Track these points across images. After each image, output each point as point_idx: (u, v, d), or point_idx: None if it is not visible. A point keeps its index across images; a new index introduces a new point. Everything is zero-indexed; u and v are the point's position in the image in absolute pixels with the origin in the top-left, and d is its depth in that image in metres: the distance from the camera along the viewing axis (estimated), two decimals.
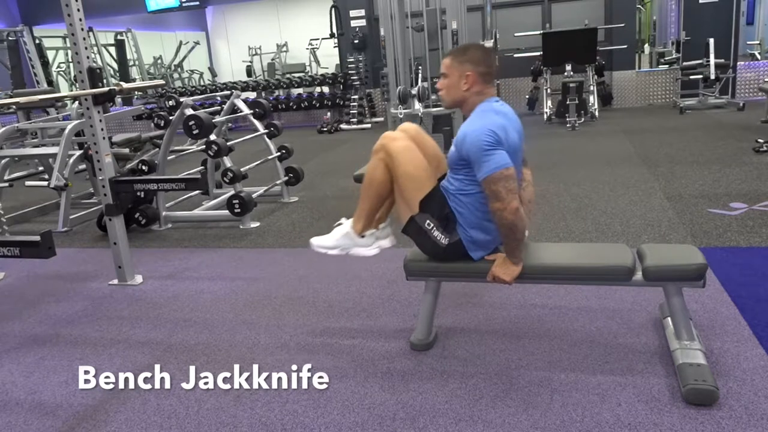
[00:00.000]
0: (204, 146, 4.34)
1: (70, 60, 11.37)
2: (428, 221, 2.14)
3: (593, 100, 8.31)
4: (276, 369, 2.25)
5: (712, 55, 8.03)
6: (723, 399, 1.83)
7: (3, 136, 5.02)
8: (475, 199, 2.09)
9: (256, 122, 5.05)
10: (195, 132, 4.21)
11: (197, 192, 4.87)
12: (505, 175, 1.95)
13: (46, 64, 11.34)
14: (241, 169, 4.37)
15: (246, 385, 2.15)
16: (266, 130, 5.07)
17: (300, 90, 11.41)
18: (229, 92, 5.25)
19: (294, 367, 2.25)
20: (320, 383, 2.11)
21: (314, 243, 2.38)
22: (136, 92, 11.67)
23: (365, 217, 2.28)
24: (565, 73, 8.12)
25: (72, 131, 4.72)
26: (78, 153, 4.75)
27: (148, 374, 2.28)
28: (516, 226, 1.98)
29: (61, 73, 12.63)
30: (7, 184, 5.06)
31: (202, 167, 5.12)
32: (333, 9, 9.92)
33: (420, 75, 5.66)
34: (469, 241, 2.13)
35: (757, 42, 11.02)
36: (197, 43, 14.06)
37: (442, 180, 2.22)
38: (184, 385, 2.18)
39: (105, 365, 2.40)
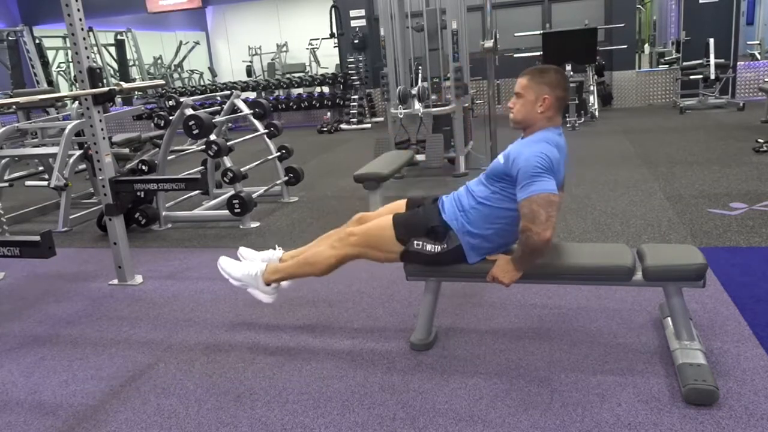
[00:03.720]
0: (204, 146, 4.34)
1: (70, 60, 11.37)
2: (416, 242, 2.16)
3: (593, 100, 8.32)
4: (276, 368, 2.25)
5: (712, 55, 8.04)
6: (723, 399, 1.83)
7: (3, 136, 5.02)
8: (496, 213, 2.10)
9: (256, 122, 5.05)
10: (195, 132, 4.21)
11: (197, 192, 4.88)
12: (550, 200, 1.93)
13: (46, 64, 11.34)
14: (241, 169, 4.37)
15: (246, 385, 2.15)
16: (266, 130, 5.07)
17: (300, 90, 11.42)
18: (229, 92, 5.25)
19: (294, 367, 2.25)
20: (320, 383, 2.12)
21: (222, 264, 2.46)
22: (136, 92, 11.68)
23: (285, 278, 2.37)
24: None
25: (72, 131, 4.72)
26: (78, 153, 4.75)
27: (148, 374, 2.29)
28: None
29: (61, 73, 12.63)
30: (7, 184, 5.06)
31: (202, 167, 5.12)
32: (333, 9, 9.92)
33: (420, 75, 5.65)
34: (470, 247, 2.14)
35: (757, 42, 11.02)
36: (197, 43, 14.06)
37: (414, 207, 2.31)
38: (184, 385, 2.18)
39: (105, 365, 2.40)
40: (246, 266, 2.41)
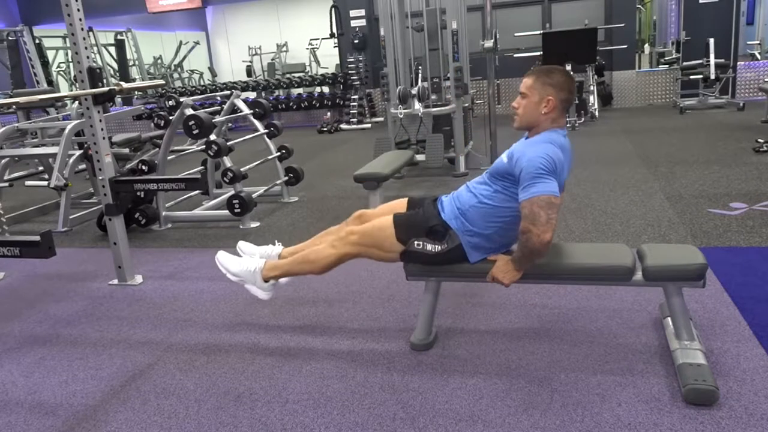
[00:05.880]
0: (204, 146, 4.34)
1: (70, 60, 11.37)
2: (416, 242, 2.16)
3: (593, 100, 8.32)
4: (276, 369, 2.25)
5: (712, 55, 8.04)
6: (723, 399, 1.83)
7: (3, 136, 5.02)
8: (498, 212, 2.09)
9: (256, 122, 5.05)
10: (195, 132, 4.21)
11: (197, 192, 4.87)
12: (552, 202, 1.92)
13: (46, 64, 11.34)
14: (241, 169, 4.37)
15: (246, 385, 2.15)
16: (266, 130, 5.07)
17: (300, 90, 11.42)
18: (229, 92, 5.25)
19: (294, 367, 2.25)
20: (320, 383, 2.12)
21: (220, 259, 2.45)
22: (136, 92, 11.68)
23: (283, 274, 2.37)
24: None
25: (72, 131, 4.72)
26: (78, 153, 4.75)
27: (148, 374, 2.29)
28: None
29: (61, 73, 12.63)
30: (7, 184, 5.06)
31: (202, 167, 5.12)
32: (333, 9, 9.92)
33: (420, 75, 5.65)
34: (471, 246, 2.14)
35: (757, 42, 11.02)
36: (197, 43, 14.06)
37: (415, 206, 2.30)
38: (184, 385, 2.18)
39: (105, 365, 2.40)
40: (244, 262, 2.40)
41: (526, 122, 2.12)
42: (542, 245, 1.94)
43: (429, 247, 2.15)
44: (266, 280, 2.36)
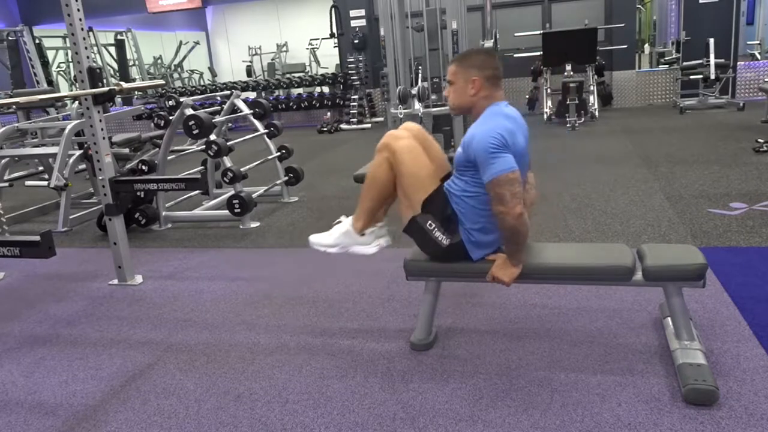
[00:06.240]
0: (204, 146, 4.34)
1: (70, 60, 11.37)
2: (430, 222, 2.13)
3: (593, 100, 8.32)
4: (276, 369, 2.25)
5: (712, 55, 8.03)
6: (723, 399, 1.83)
7: (3, 136, 5.02)
8: (479, 201, 2.09)
9: (256, 122, 5.05)
10: (195, 132, 4.21)
11: (197, 192, 4.87)
12: (510, 179, 1.93)
13: (46, 64, 11.34)
14: (241, 169, 4.37)
15: (246, 385, 2.15)
16: (266, 130, 5.07)
17: (300, 90, 11.42)
18: (229, 92, 5.25)
19: (294, 367, 2.25)
20: (320, 383, 2.12)
21: (313, 241, 2.37)
22: (136, 92, 11.68)
23: (366, 215, 2.28)
24: (565, 73, 8.12)
25: (72, 131, 4.72)
26: (78, 153, 4.75)
27: (148, 374, 2.29)
28: (519, 230, 1.98)
29: (61, 73, 12.63)
30: (7, 184, 5.06)
31: (202, 167, 5.12)
32: (333, 9, 9.92)
33: (420, 75, 5.65)
34: (471, 242, 2.13)
35: (757, 42, 11.03)
36: (197, 43, 14.06)
37: (446, 181, 2.22)
38: (184, 385, 2.18)
39: (105, 365, 2.40)
40: (334, 231, 2.33)
41: (459, 107, 2.17)
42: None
43: (437, 234, 2.13)
44: (362, 233, 2.30)
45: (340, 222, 2.36)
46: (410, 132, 2.25)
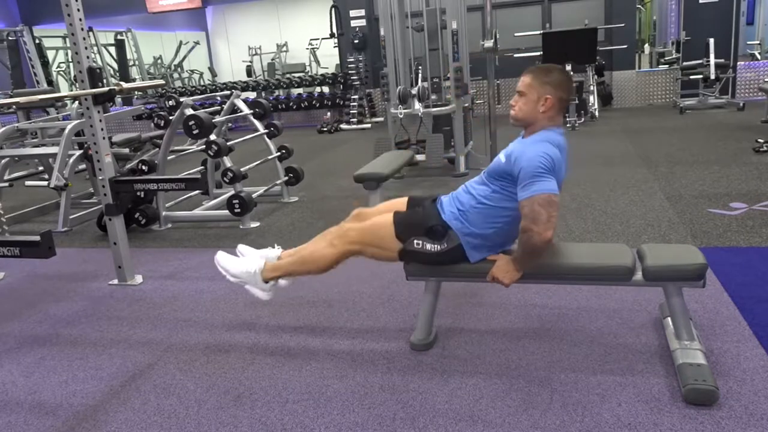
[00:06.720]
0: (204, 146, 4.34)
1: (70, 60, 11.37)
2: (415, 242, 2.16)
3: (593, 100, 8.32)
4: (276, 369, 2.25)
5: (712, 55, 8.04)
6: (723, 399, 1.83)
7: (3, 136, 5.02)
8: (496, 212, 2.09)
9: (256, 122, 5.05)
10: (195, 132, 4.21)
11: (197, 192, 4.87)
12: (551, 200, 1.93)
13: (46, 64, 11.34)
14: (241, 169, 4.37)
15: (246, 385, 2.15)
16: (266, 130, 5.07)
17: (300, 90, 11.42)
18: (229, 92, 5.25)
19: (294, 367, 2.25)
20: (320, 383, 2.12)
21: (219, 260, 2.46)
22: (136, 92, 11.68)
23: (283, 275, 2.37)
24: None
25: (72, 131, 4.72)
26: (78, 153, 4.75)
27: (148, 374, 2.29)
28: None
29: (61, 73, 12.63)
30: (7, 184, 5.06)
31: (202, 167, 5.12)
32: (333, 9, 9.92)
33: (420, 75, 5.65)
34: (471, 246, 2.14)
35: (757, 42, 11.03)
36: (197, 43, 14.06)
37: (415, 206, 2.29)
38: (184, 385, 2.18)
39: (105, 365, 2.40)
40: (245, 263, 2.40)
41: (523, 120, 2.12)
42: (543, 243, 1.94)
43: (428, 246, 2.15)
44: (266, 281, 2.36)
45: (272, 248, 2.46)
46: (357, 219, 2.37)
